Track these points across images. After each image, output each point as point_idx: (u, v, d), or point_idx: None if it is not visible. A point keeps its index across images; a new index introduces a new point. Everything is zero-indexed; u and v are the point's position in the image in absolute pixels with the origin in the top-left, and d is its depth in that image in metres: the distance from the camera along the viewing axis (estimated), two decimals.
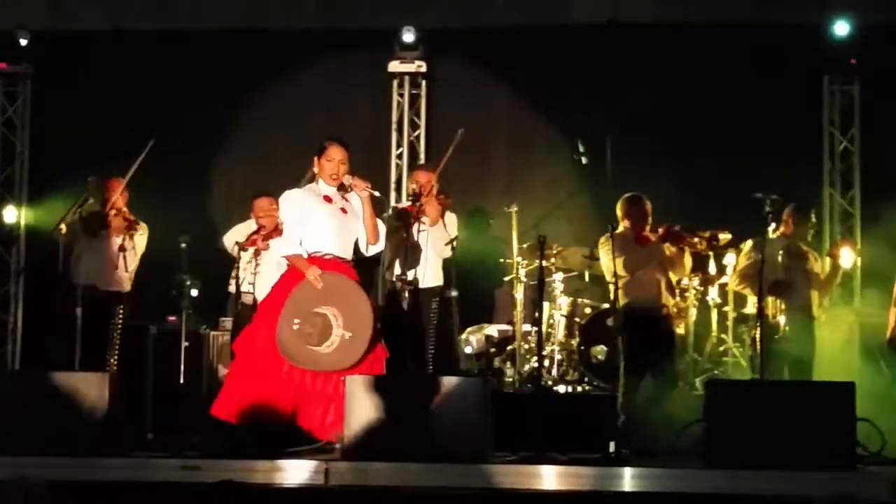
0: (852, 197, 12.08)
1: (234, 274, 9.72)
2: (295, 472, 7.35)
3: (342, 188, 8.46)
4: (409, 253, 8.85)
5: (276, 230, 9.41)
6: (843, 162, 12.20)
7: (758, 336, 8.75)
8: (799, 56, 11.75)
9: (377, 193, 8.49)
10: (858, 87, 12.15)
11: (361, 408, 7.61)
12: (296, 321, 8.05)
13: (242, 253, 9.75)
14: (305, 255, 8.28)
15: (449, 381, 7.74)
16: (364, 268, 8.71)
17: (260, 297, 9.17)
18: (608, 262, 8.95)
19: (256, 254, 9.75)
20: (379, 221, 8.53)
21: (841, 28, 11.74)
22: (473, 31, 12.34)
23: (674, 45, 12.06)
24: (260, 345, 8.21)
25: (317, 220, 8.30)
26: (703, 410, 7.91)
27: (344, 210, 8.41)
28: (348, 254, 8.45)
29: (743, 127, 11.76)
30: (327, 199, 8.37)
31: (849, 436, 7.55)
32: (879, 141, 11.41)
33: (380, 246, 8.57)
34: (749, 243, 9.68)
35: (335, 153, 8.38)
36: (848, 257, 11.04)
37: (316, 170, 8.44)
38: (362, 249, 8.52)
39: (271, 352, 8.12)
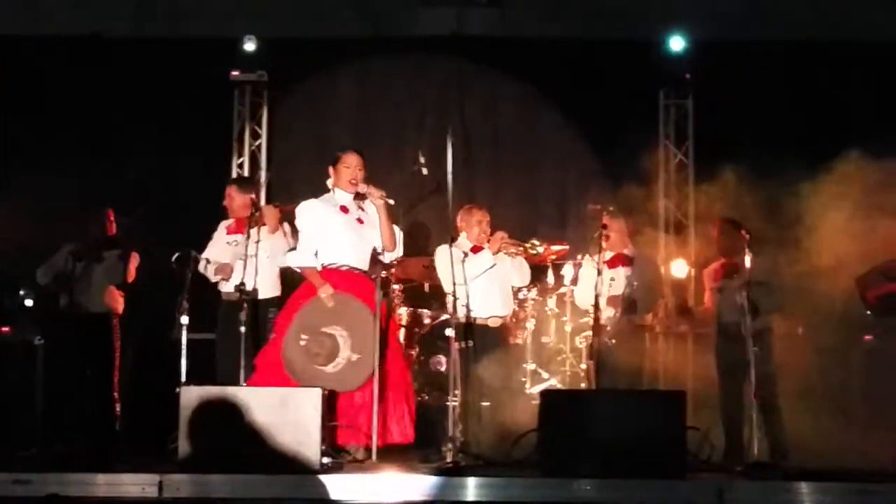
0: (687, 209, 12.29)
1: (65, 286, 9.57)
2: (129, 485, 7.28)
3: (358, 197, 8.50)
4: (247, 262, 8.77)
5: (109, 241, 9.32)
6: (678, 174, 12.42)
7: (593, 346, 8.88)
8: (635, 70, 11.94)
9: (391, 201, 8.51)
10: (692, 101, 12.39)
11: (198, 419, 7.59)
12: (303, 337, 8.10)
13: (77, 264, 9.60)
14: (320, 268, 8.36)
15: (285, 392, 7.76)
16: None
17: (92, 307, 9.05)
18: (446, 272, 9.01)
19: (96, 261, 9.62)
20: (396, 228, 8.59)
21: (676, 43, 11.95)
22: (317, 40, 12.31)
23: (516, 58, 12.17)
24: (274, 359, 8.32)
25: (333, 231, 8.39)
26: (539, 420, 8.03)
27: (360, 220, 8.52)
28: (364, 264, 8.54)
29: (582, 139, 11.93)
30: (343, 209, 8.46)
31: (679, 444, 7.73)
32: (713, 154, 11.61)
33: (397, 252, 8.68)
34: (587, 257, 9.82)
35: (352, 159, 8.52)
36: (681, 268, 11.28)
37: (332, 179, 8.52)
38: (380, 256, 8.54)
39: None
